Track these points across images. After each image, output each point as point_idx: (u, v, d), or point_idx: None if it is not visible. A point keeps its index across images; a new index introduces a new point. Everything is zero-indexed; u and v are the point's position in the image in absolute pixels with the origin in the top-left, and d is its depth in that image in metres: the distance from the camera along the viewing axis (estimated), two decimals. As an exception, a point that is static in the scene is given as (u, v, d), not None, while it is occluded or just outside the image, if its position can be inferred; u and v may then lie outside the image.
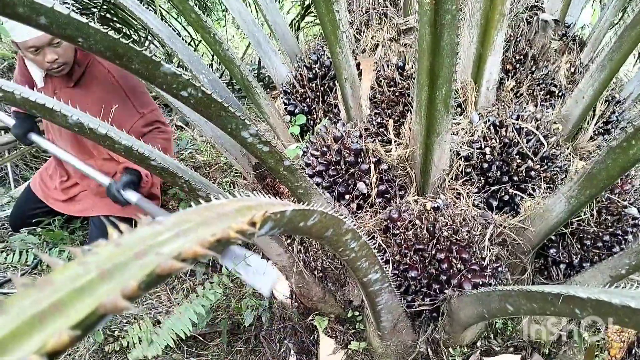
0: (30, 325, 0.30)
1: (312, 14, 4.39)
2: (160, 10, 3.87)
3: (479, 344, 1.62)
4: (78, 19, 0.80)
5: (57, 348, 0.29)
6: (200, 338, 2.36)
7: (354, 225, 0.92)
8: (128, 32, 3.92)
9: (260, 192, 0.70)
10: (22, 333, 0.30)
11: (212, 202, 0.52)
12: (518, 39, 1.70)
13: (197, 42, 4.48)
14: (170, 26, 2.21)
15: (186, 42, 2.61)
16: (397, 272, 1.40)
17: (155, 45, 4.20)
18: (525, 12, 1.71)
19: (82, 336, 0.31)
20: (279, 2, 4.61)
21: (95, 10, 3.57)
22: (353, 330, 1.73)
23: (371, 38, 1.82)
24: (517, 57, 1.69)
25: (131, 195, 2.05)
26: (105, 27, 0.85)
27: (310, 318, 1.83)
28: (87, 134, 1.09)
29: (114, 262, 0.37)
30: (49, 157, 3.41)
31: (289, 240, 1.72)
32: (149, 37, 3.98)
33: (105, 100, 2.36)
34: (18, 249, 2.76)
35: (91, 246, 0.39)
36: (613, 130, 1.70)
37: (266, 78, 4.42)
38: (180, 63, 1.98)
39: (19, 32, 2.08)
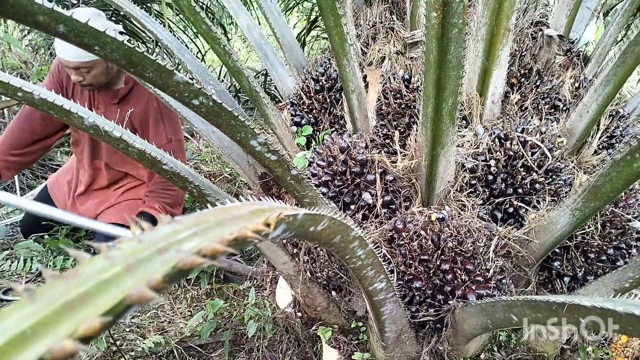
0: (61, 313, 0.32)
1: (318, 28, 4.45)
2: (168, 23, 3.93)
3: (482, 356, 1.62)
4: (95, 28, 0.82)
5: (88, 334, 0.30)
6: (199, 348, 2.35)
7: (362, 232, 0.94)
8: (137, 44, 3.98)
9: (269, 199, 0.72)
10: (53, 320, 0.31)
11: (227, 205, 0.54)
12: (523, 54, 1.72)
13: (202, 55, 4.54)
14: (179, 39, 2.26)
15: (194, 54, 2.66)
16: (401, 282, 1.41)
17: (163, 57, 4.26)
18: (530, 28, 1.74)
19: (112, 323, 0.32)
20: (286, 16, 4.67)
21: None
22: (356, 341, 1.73)
23: (378, 51, 1.85)
24: (522, 72, 1.71)
25: None
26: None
27: (313, 328, 1.83)
28: (102, 137, 1.11)
29: (137, 257, 0.38)
30: (57, 165, 3.46)
31: (295, 250, 1.73)
32: (157, 49, 4.03)
33: (143, 120, 2.51)
34: (22, 257, 2.78)
35: (114, 242, 0.40)
36: (617, 144, 1.72)
37: (272, 92, 4.47)
38: (189, 74, 2.01)
39: (56, 47, 2.22)
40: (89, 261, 0.37)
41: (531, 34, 1.74)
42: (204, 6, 4.17)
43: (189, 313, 2.54)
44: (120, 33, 2.28)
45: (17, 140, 2.54)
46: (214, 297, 2.62)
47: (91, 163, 2.69)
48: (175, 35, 2.73)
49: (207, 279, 2.73)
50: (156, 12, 4.00)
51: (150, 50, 4.01)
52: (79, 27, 0.81)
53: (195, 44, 4.66)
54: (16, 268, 2.68)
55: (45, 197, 2.85)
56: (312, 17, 4.44)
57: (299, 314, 1.88)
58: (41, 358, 0.28)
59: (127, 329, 2.40)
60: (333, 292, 1.74)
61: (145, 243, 0.40)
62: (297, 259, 1.71)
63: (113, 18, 3.63)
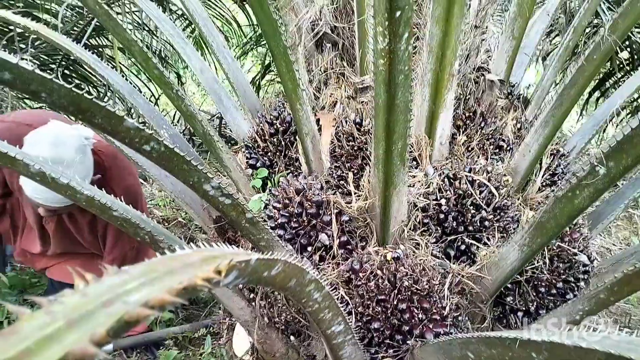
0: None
1: (273, 72, 4.52)
2: (120, 67, 3.91)
3: (442, 396, 1.61)
4: (42, 74, 0.81)
5: (25, 396, 0.29)
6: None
7: (317, 275, 0.93)
8: (88, 89, 3.92)
9: (223, 244, 0.72)
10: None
11: (178, 252, 0.53)
12: (467, 97, 1.81)
13: (156, 99, 4.51)
14: (131, 83, 2.23)
15: (147, 98, 2.65)
16: (360, 323, 1.40)
17: (115, 101, 4.20)
18: (473, 73, 1.83)
19: (51, 383, 0.31)
20: (239, 60, 4.73)
21: (53, 66, 3.57)
22: (316, 387, 1.69)
23: (330, 96, 1.89)
24: (467, 114, 1.79)
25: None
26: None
27: (272, 376, 1.78)
28: (48, 184, 1.08)
29: (81, 311, 0.37)
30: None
31: (252, 295, 1.70)
32: (109, 93, 3.98)
33: (102, 223, 2.34)
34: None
35: (57, 296, 0.39)
36: (559, 181, 1.80)
37: (227, 135, 4.47)
38: (141, 118, 1.99)
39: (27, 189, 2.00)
40: (30, 317, 0.36)
41: (474, 79, 1.83)
42: (157, 51, 4.17)
43: (142, 365, 2.43)
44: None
45: None
46: (168, 347, 2.52)
47: (42, 251, 2.55)
48: (127, 80, 2.71)
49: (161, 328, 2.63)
50: (108, 57, 3.97)
51: (102, 95, 3.96)
52: (26, 74, 0.80)
53: (149, 88, 4.63)
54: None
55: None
56: (267, 62, 4.52)
57: (257, 361, 1.83)
58: None
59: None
60: (292, 337, 1.71)
61: (90, 296, 0.39)
62: (253, 304, 1.68)
63: (64, 62, 3.57)
